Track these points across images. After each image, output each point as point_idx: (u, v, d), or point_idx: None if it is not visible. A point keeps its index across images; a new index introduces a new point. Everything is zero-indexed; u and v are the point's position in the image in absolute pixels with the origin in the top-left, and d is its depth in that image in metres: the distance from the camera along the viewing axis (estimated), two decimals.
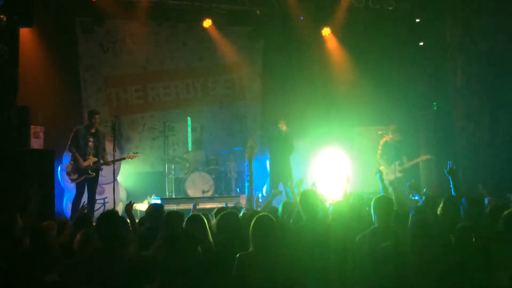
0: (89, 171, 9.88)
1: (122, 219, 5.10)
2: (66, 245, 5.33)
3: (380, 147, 11.90)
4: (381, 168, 11.43)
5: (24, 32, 10.11)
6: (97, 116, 10.17)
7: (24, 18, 8.80)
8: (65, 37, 12.75)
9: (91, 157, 9.95)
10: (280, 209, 6.55)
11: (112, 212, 5.38)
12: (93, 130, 10.03)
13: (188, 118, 13.27)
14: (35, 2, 9.65)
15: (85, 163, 9.85)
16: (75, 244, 5.13)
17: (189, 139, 13.36)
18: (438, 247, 4.67)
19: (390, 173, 11.54)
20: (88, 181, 9.91)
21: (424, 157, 11.56)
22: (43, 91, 12.24)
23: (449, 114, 12.70)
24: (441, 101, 13.23)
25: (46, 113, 11.95)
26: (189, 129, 13.34)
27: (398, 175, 11.39)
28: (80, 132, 9.96)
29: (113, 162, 10.13)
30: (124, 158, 10.59)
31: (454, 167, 6.58)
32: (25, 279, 4.46)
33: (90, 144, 9.99)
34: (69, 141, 9.97)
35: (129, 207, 5.80)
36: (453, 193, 6.18)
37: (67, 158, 10.84)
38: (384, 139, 11.89)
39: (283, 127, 11.36)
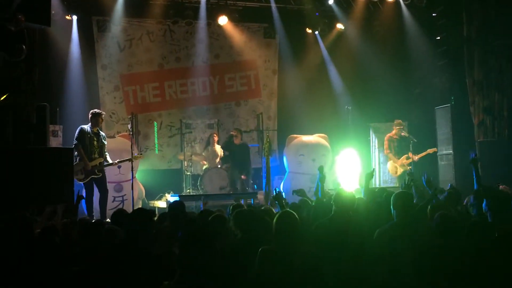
0: (96, 171, 9.81)
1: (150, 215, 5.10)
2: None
3: (386, 143, 12.15)
4: (391, 162, 12.03)
5: (41, 31, 10.17)
6: (103, 116, 10.19)
7: (42, 18, 8.79)
8: (82, 36, 12.85)
9: (97, 156, 9.89)
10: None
11: (143, 209, 5.42)
12: (96, 130, 9.97)
13: (155, 122, 13.55)
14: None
15: (92, 163, 9.77)
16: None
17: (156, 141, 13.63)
18: (459, 244, 4.63)
19: (399, 167, 11.85)
20: (95, 180, 9.86)
21: (431, 151, 11.74)
22: (61, 90, 12.39)
23: (466, 108, 12.60)
24: (458, 95, 13.15)
25: (64, 112, 12.09)
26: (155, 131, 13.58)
27: (407, 168, 11.58)
28: (85, 130, 9.86)
29: (119, 163, 10.12)
30: (130, 159, 10.13)
31: (478, 156, 6.51)
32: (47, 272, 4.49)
33: (95, 143, 9.91)
34: (75, 139, 9.82)
35: None
36: (475, 186, 6.13)
37: None
38: (388, 135, 12.18)
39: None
